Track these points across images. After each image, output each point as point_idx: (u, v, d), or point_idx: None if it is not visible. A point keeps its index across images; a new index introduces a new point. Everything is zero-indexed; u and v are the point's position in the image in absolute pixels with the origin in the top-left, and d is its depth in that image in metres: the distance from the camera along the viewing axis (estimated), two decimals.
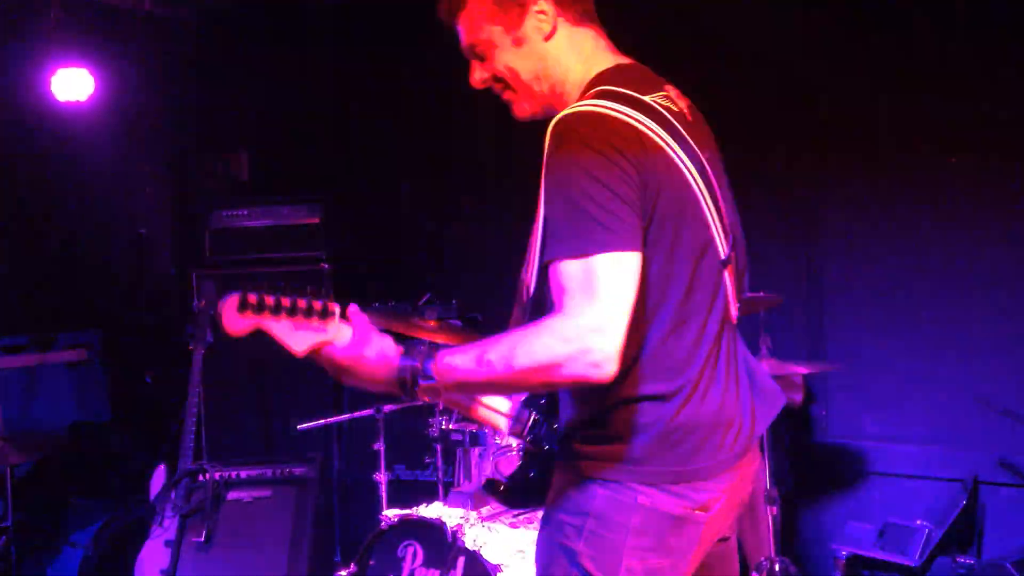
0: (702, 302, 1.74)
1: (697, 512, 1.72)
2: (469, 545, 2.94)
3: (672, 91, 1.82)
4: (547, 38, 1.83)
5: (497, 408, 1.85)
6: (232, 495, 3.94)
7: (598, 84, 1.76)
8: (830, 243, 4.04)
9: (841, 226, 4.02)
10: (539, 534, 1.82)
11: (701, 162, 1.76)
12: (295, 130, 5.39)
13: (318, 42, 5.33)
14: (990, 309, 3.71)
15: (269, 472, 4.04)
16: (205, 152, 5.35)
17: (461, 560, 2.96)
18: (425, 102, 5.02)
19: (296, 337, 1.76)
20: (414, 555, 3.10)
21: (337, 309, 1.75)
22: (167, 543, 3.83)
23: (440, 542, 3.01)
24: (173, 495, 3.90)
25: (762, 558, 3.23)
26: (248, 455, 4.51)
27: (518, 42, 1.84)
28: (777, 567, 3.14)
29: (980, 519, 3.65)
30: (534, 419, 1.83)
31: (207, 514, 3.85)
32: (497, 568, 2.90)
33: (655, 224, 1.66)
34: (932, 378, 3.80)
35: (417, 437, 4.21)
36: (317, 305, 1.74)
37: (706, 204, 1.75)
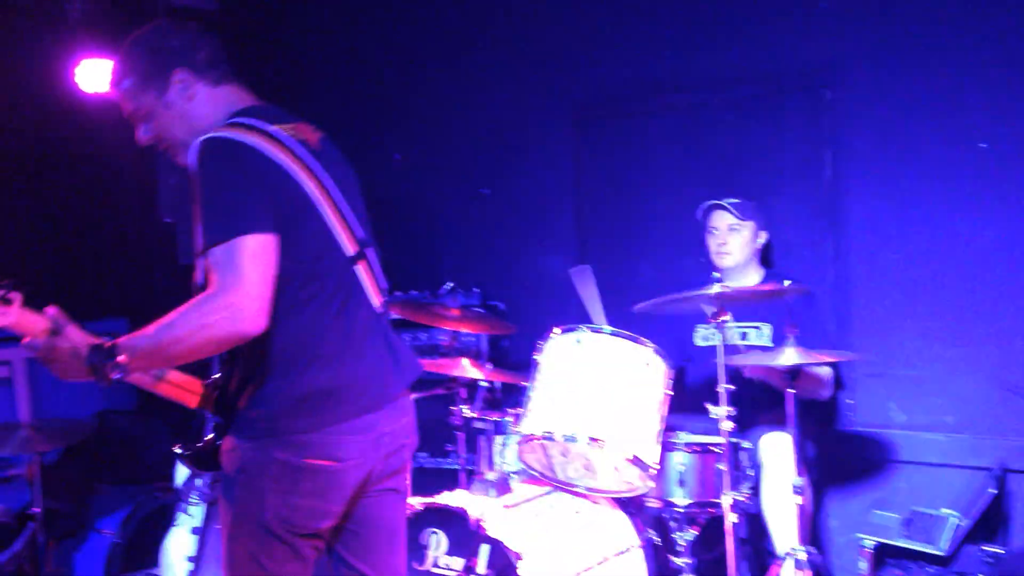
0: (329, 290, 2.15)
1: (325, 462, 2.12)
2: (492, 533, 2.94)
3: (302, 126, 2.28)
4: (190, 100, 2.26)
5: (187, 386, 2.27)
6: None
7: (229, 120, 2.21)
8: (856, 230, 3.99)
9: (867, 213, 3.97)
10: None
11: (324, 178, 2.18)
12: (315, 118, 5.39)
13: (340, 30, 5.33)
14: (1019, 296, 3.66)
15: None
16: None
17: (484, 548, 2.96)
18: (442, 87, 5.02)
19: None
20: (437, 543, 3.11)
21: (18, 298, 2.05)
22: (193, 530, 3.86)
23: (463, 530, 3.02)
24: (199, 482, 3.93)
25: (788, 547, 3.21)
26: None
27: (167, 106, 2.25)
28: (803, 556, 3.11)
29: (1008, 508, 3.61)
30: (216, 395, 2.20)
31: None
32: (519, 556, 2.90)
33: (276, 219, 2.05)
34: (960, 366, 3.76)
35: (440, 425, 4.21)
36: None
37: (327, 210, 2.17)
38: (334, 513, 2.19)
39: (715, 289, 3.11)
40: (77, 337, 2.06)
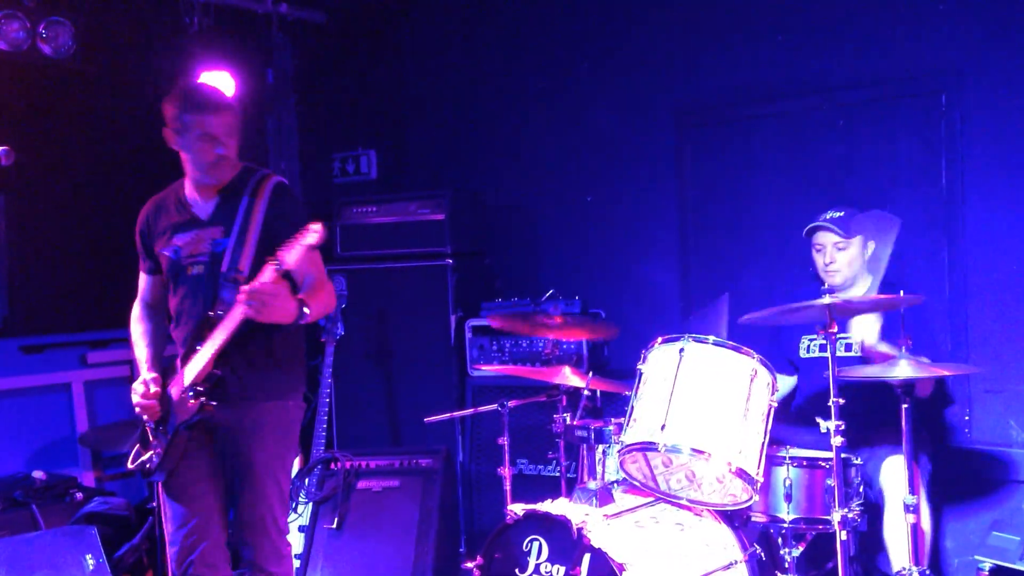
0: None
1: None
2: (594, 543, 2.94)
3: None
4: None
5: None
6: (362, 484, 4.04)
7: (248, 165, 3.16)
8: (973, 240, 3.85)
9: (985, 222, 3.83)
10: (230, 445, 2.98)
11: None
12: (422, 127, 5.49)
13: (444, 41, 5.41)
14: None
15: (397, 463, 4.12)
16: (336, 150, 5.51)
17: (586, 558, 2.96)
18: (545, 96, 5.04)
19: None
20: (539, 550, 3.11)
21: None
22: (301, 528, 3.97)
23: (565, 539, 3.01)
24: (307, 482, 4.05)
25: (901, 567, 3.11)
26: (376, 446, 4.61)
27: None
28: None
29: None
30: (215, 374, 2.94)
31: (339, 501, 3.97)
32: (622, 567, 2.88)
33: None
34: None
35: (540, 432, 4.23)
36: None
37: None
38: None
39: (826, 300, 3.03)
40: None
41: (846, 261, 3.66)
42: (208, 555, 2.98)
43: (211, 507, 3.01)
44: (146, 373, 3.05)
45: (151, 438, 3.03)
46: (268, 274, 2.78)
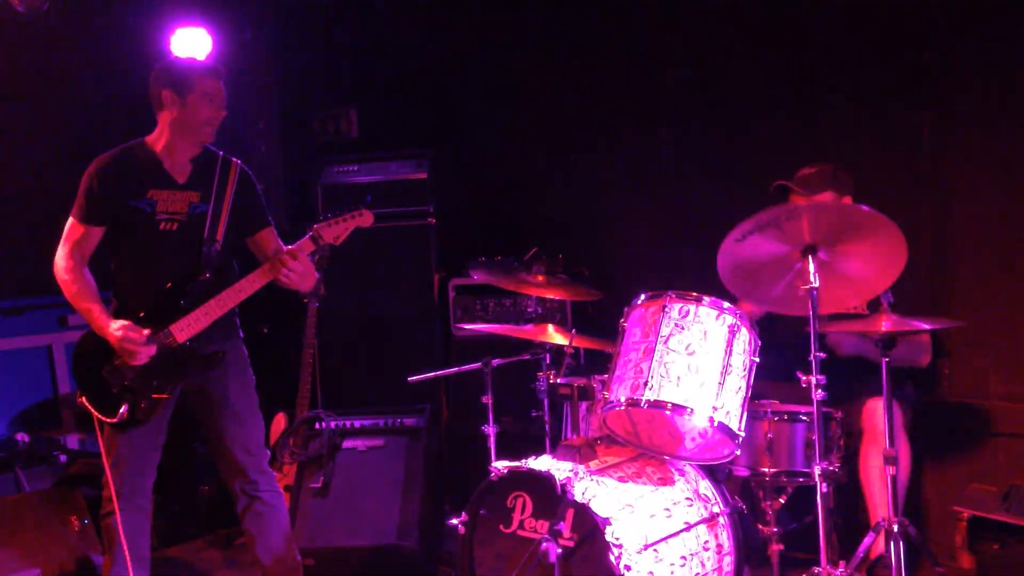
0: None
1: None
2: (578, 498, 2.95)
3: None
4: None
5: None
6: (347, 443, 4.05)
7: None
8: (956, 195, 3.85)
9: (968, 177, 3.83)
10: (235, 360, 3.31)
11: None
12: (404, 86, 5.42)
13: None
14: None
15: (382, 422, 4.13)
16: (316, 109, 5.44)
17: (570, 512, 2.98)
18: (532, 56, 4.99)
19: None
20: (523, 506, 3.13)
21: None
22: (287, 488, 3.98)
23: (549, 494, 3.03)
24: (291, 442, 4.05)
25: (880, 518, 3.15)
26: (361, 405, 4.62)
27: None
28: (896, 527, 3.04)
29: None
30: None
31: (324, 461, 3.97)
32: (607, 521, 2.90)
33: None
34: None
35: (524, 390, 4.24)
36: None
37: None
38: None
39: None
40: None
41: None
42: (148, 491, 3.23)
43: (157, 454, 3.22)
44: (118, 323, 3.04)
45: (124, 389, 3.07)
46: (306, 243, 3.08)
